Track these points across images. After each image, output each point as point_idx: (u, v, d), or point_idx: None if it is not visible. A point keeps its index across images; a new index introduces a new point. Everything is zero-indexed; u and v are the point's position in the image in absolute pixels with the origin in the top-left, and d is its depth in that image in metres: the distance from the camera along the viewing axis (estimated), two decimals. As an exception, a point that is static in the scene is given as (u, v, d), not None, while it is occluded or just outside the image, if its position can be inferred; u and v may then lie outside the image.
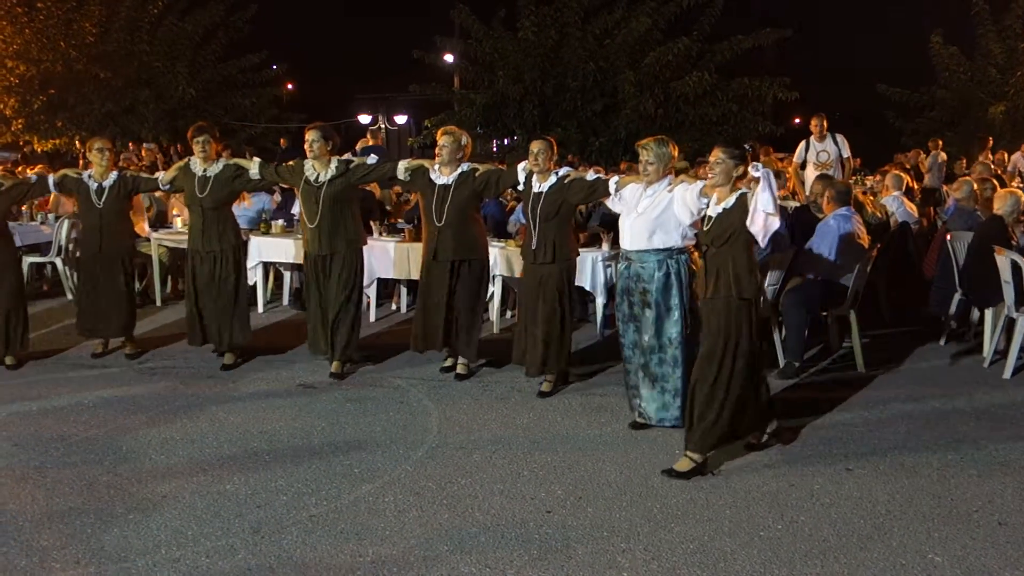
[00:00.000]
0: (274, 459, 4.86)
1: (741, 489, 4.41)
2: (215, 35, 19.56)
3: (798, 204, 9.69)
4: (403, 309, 8.69)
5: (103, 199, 6.63)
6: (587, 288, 7.24)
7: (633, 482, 4.51)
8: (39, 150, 18.89)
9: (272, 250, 8.46)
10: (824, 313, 6.68)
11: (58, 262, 9.48)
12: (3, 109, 17.44)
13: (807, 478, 4.53)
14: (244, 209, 8.89)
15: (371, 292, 8.21)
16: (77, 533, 3.98)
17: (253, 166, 6.50)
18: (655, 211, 5.11)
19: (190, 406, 5.79)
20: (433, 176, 6.15)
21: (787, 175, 11.28)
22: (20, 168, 13.92)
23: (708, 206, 4.73)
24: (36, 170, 8.73)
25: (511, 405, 5.79)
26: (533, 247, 5.86)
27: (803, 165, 10.83)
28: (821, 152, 10.61)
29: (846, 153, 10.69)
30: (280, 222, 8.71)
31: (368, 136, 12.31)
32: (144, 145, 17.04)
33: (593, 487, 4.46)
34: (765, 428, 4.91)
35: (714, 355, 4.55)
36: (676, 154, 5.20)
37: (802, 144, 10.88)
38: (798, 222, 7.29)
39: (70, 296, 9.34)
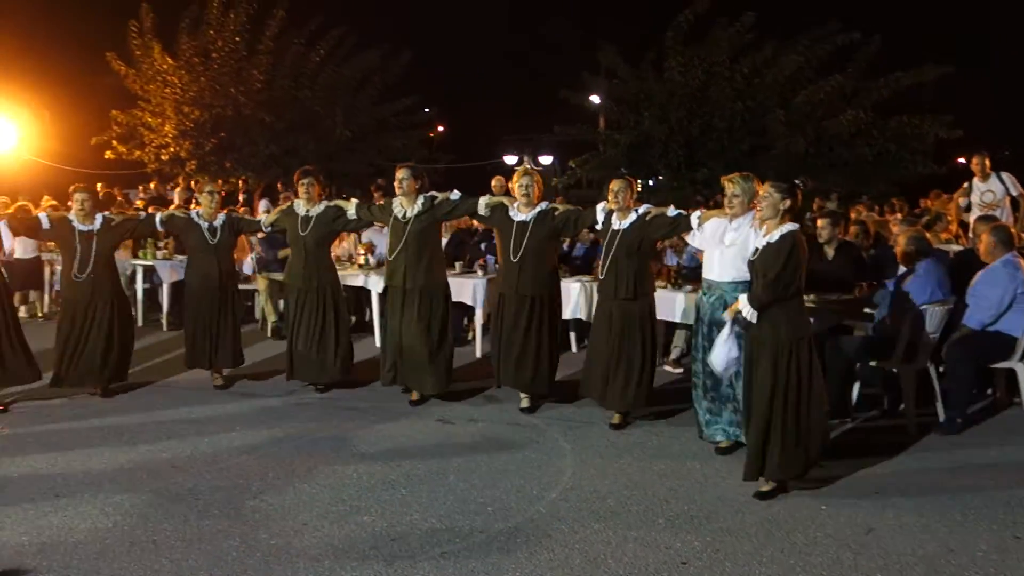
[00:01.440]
0: (410, 493, 4.93)
1: (893, 551, 4.12)
2: (371, 80, 20.41)
3: (961, 248, 9.14)
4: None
5: (217, 237, 7.07)
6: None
7: (775, 536, 4.30)
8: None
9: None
10: (991, 366, 6.23)
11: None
12: (179, 151, 18.77)
13: (968, 543, 4.20)
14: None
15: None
16: (223, 555, 4.15)
17: (350, 207, 6.90)
18: (743, 244, 5.20)
19: (332, 437, 5.97)
20: (512, 214, 6.39)
21: (949, 217, 10.68)
22: (192, 204, 14.89)
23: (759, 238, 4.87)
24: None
25: (647, 449, 5.67)
26: (614, 284, 5.98)
27: (968, 207, 10.22)
28: (985, 192, 10.00)
29: (1016, 191, 10.01)
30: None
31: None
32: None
33: (731, 540, 4.28)
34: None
35: (776, 395, 4.65)
36: (760, 190, 5.14)
37: (964, 185, 10.29)
38: (961, 267, 6.85)
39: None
